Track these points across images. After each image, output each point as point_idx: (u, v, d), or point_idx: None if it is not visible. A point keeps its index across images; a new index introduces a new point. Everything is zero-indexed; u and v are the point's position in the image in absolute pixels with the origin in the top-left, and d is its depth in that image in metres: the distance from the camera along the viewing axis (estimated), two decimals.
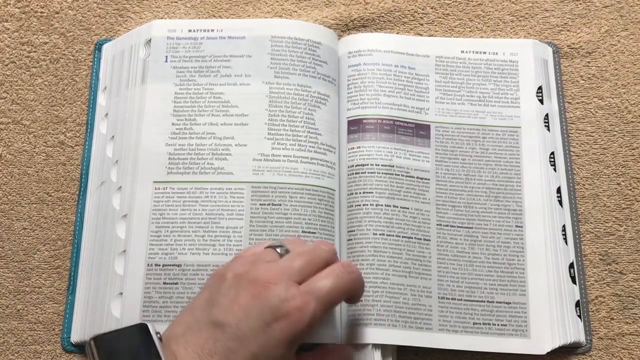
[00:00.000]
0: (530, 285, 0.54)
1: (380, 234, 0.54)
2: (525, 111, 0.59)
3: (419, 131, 0.58)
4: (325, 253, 0.46)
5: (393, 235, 0.54)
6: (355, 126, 0.58)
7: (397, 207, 0.55)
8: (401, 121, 0.58)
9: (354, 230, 0.55)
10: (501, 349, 0.53)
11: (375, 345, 0.52)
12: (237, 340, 0.41)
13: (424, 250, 0.55)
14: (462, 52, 0.61)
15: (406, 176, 0.56)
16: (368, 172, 0.56)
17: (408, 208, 0.56)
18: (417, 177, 0.57)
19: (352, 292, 0.46)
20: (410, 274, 0.54)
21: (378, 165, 0.56)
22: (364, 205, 0.55)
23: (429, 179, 0.57)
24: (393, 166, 0.56)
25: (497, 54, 0.61)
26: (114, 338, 0.43)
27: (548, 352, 0.53)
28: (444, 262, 0.55)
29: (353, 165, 0.57)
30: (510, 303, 0.54)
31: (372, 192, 0.55)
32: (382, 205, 0.55)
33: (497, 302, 0.54)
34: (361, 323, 0.52)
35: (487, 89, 0.60)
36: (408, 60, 0.60)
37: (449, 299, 0.54)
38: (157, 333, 0.43)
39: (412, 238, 0.55)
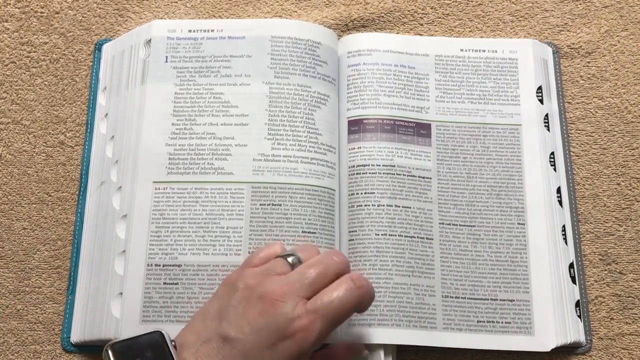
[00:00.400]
0: (534, 283, 0.54)
1: (382, 234, 0.54)
2: (525, 109, 0.59)
3: (420, 130, 0.58)
4: (337, 264, 0.46)
5: (395, 235, 0.54)
6: (356, 126, 0.58)
7: (399, 206, 0.55)
8: (402, 121, 0.58)
9: (356, 231, 0.55)
10: (506, 347, 0.53)
11: (379, 346, 0.51)
12: (244, 356, 0.42)
13: (426, 249, 0.55)
14: (462, 50, 0.61)
15: (408, 175, 0.56)
16: (369, 173, 0.56)
17: (410, 207, 0.55)
18: (419, 177, 0.57)
19: (362, 306, 0.46)
20: (414, 273, 0.54)
21: (379, 165, 0.56)
22: (365, 205, 0.55)
23: (430, 178, 0.57)
24: (394, 166, 0.56)
25: (496, 52, 0.61)
26: (131, 346, 0.43)
27: (548, 352, 0.53)
28: (447, 260, 0.55)
29: (354, 166, 0.57)
30: (513, 300, 0.54)
31: (374, 193, 0.55)
32: (384, 205, 0.55)
33: (500, 299, 0.54)
34: (365, 323, 0.52)
35: (487, 87, 0.60)
36: (407, 59, 0.60)
37: (452, 297, 0.54)
38: (172, 341, 0.43)
39: (414, 237, 0.55)
